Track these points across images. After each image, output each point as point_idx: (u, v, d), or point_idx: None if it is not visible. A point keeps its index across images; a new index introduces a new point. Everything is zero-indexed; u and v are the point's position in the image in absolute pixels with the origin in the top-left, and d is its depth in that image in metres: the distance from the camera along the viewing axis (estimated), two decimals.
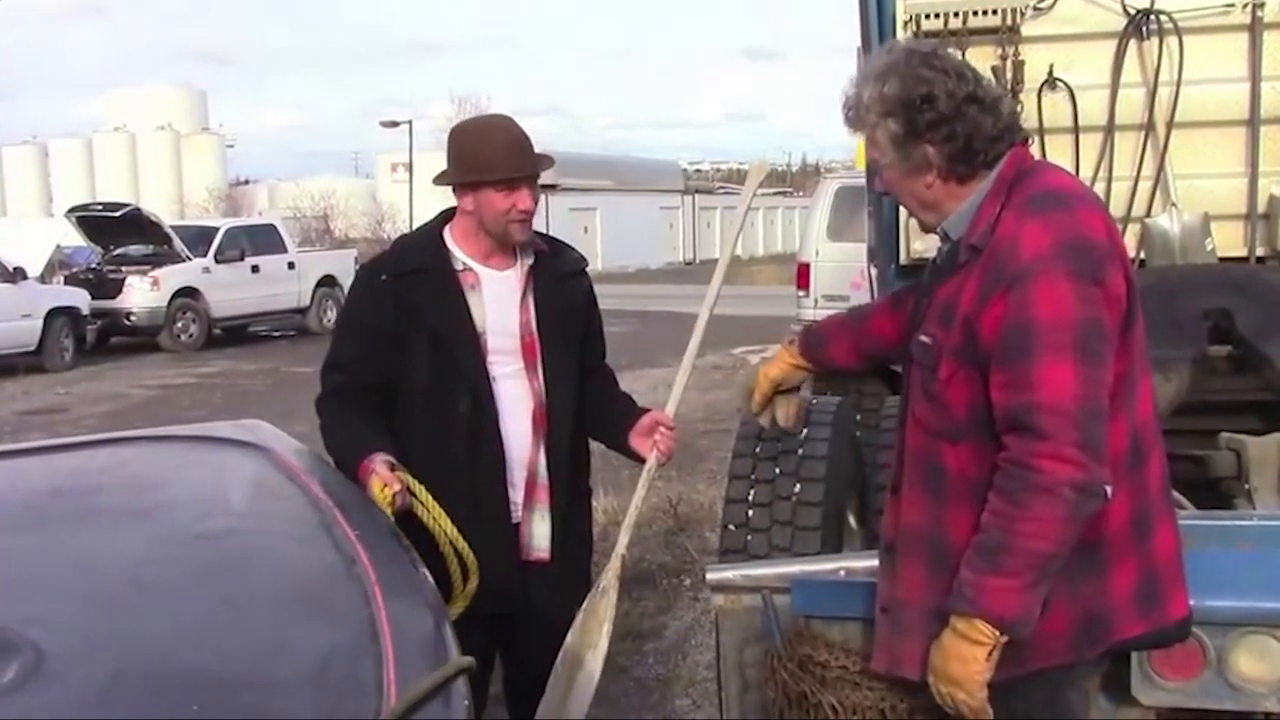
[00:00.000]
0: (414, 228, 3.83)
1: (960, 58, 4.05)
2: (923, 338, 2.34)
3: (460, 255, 3.17)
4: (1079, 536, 2.24)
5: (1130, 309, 2.28)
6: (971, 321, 2.23)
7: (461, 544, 2.97)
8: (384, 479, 2.89)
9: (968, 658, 2.22)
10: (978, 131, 2.29)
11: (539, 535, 3.19)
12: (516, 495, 3.16)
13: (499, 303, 3.16)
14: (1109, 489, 2.20)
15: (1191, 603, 2.50)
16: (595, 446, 3.38)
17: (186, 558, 2.31)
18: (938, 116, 2.27)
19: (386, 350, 3.10)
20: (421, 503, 2.95)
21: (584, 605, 3.14)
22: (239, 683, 1.89)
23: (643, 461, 3.24)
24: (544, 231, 3.34)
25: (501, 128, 3.12)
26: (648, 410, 3.29)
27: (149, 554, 2.32)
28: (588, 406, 3.27)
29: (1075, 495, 2.14)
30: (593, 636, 3.10)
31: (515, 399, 3.15)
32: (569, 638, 3.11)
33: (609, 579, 3.14)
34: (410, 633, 2.04)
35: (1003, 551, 2.17)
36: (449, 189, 3.15)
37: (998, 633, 2.20)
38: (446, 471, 3.04)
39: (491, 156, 3.05)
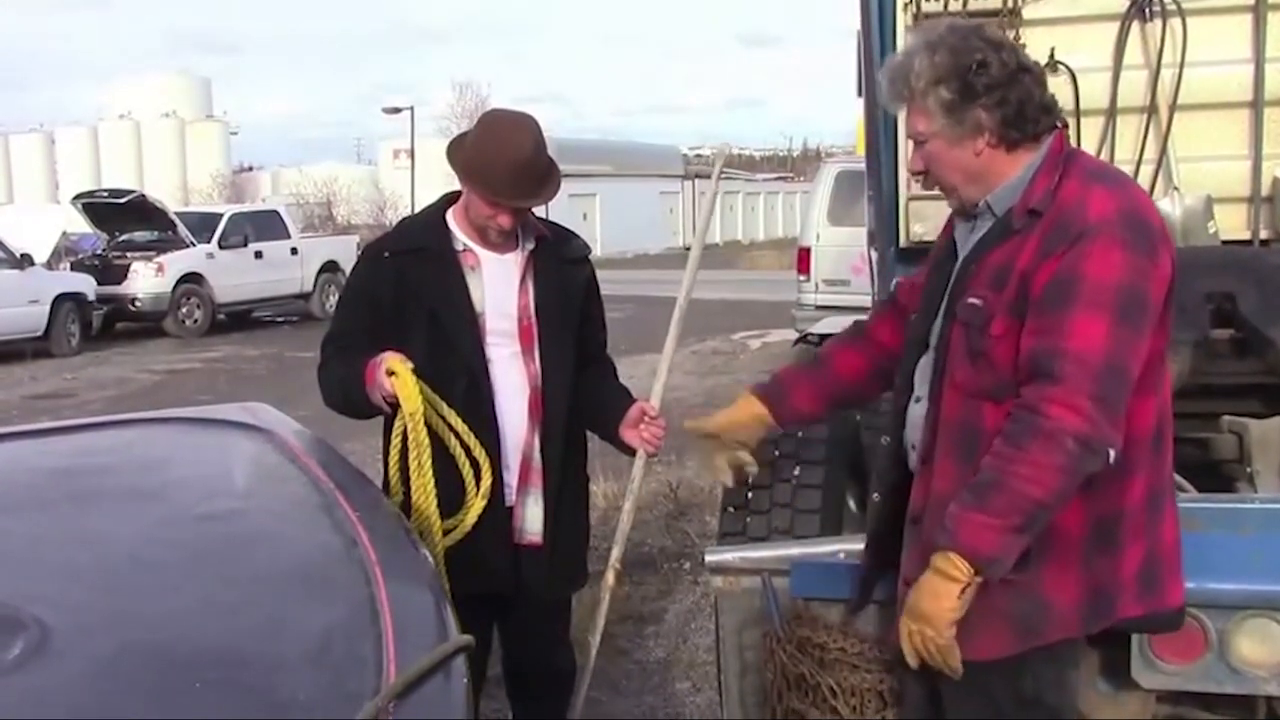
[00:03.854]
0: (415, 212, 3.83)
1: None
2: (972, 300, 2.34)
3: (461, 236, 3.17)
4: (1098, 511, 2.28)
5: (1171, 292, 2.32)
6: (1027, 276, 2.26)
7: (471, 440, 3.02)
8: (397, 357, 2.93)
9: (940, 593, 2.23)
10: (1030, 99, 2.33)
11: (532, 519, 3.20)
12: (510, 478, 3.17)
13: (498, 284, 3.16)
14: (1113, 452, 2.21)
15: (1189, 585, 2.52)
16: (593, 434, 3.38)
17: (189, 538, 2.33)
18: (991, 81, 2.30)
19: (386, 327, 3.11)
20: (429, 403, 2.99)
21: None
22: (241, 660, 1.90)
23: (633, 454, 3.23)
24: (546, 218, 3.34)
25: (514, 147, 3.03)
26: (637, 401, 3.27)
27: (152, 534, 2.34)
28: (584, 396, 3.26)
29: (1077, 448, 2.16)
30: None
31: (511, 382, 3.16)
32: None
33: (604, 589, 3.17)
34: (410, 612, 2.05)
35: (993, 490, 2.19)
36: (451, 175, 3.14)
37: (971, 570, 2.20)
38: None
39: (489, 170, 3.02)
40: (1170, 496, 2.45)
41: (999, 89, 2.30)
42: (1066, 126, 2.47)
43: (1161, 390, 2.36)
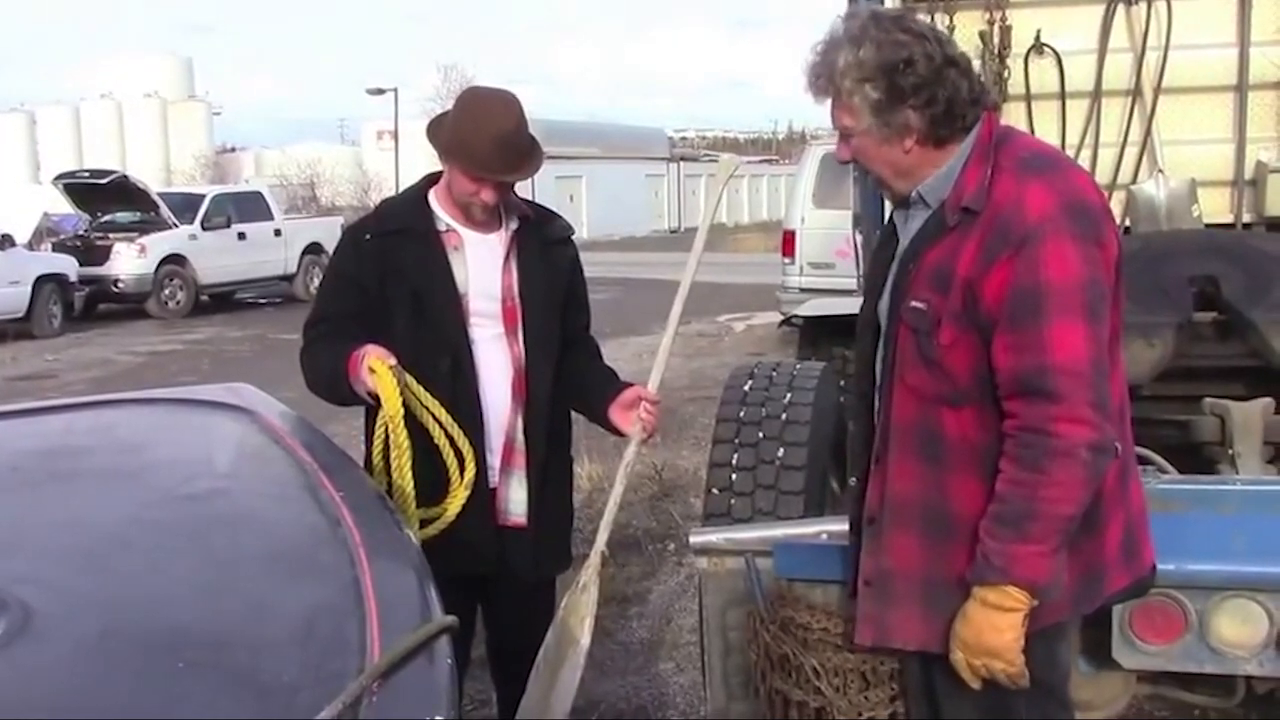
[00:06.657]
0: (396, 193, 3.81)
1: (937, 22, 4.08)
2: (915, 303, 2.31)
3: (444, 216, 3.15)
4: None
5: (1119, 267, 2.31)
6: (974, 284, 2.23)
7: (455, 430, 3.01)
8: (378, 354, 2.92)
9: (1002, 626, 2.23)
10: (957, 94, 2.28)
11: (515, 500, 3.20)
12: (494, 459, 3.15)
13: (481, 265, 3.14)
14: (1118, 446, 2.25)
15: (1170, 567, 2.54)
16: (578, 415, 3.37)
17: (173, 518, 2.32)
18: (919, 80, 2.25)
19: (369, 309, 3.10)
20: (413, 393, 2.98)
21: (564, 602, 3.13)
22: (224, 641, 1.89)
23: (622, 435, 3.22)
24: (531, 200, 3.32)
25: (496, 121, 3.01)
26: (630, 385, 3.26)
27: (136, 514, 2.33)
28: (568, 377, 3.25)
29: (1091, 455, 2.18)
30: (575, 633, 3.09)
31: (495, 363, 3.14)
32: (549, 635, 3.10)
33: (588, 575, 3.11)
34: (393, 592, 2.05)
35: (1028, 519, 2.19)
36: (435, 155, 3.13)
37: (1029, 598, 2.22)
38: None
39: (471, 145, 2.99)
40: (1133, 463, 2.48)
41: (927, 88, 2.25)
42: (997, 109, 2.44)
43: (1119, 365, 2.35)
